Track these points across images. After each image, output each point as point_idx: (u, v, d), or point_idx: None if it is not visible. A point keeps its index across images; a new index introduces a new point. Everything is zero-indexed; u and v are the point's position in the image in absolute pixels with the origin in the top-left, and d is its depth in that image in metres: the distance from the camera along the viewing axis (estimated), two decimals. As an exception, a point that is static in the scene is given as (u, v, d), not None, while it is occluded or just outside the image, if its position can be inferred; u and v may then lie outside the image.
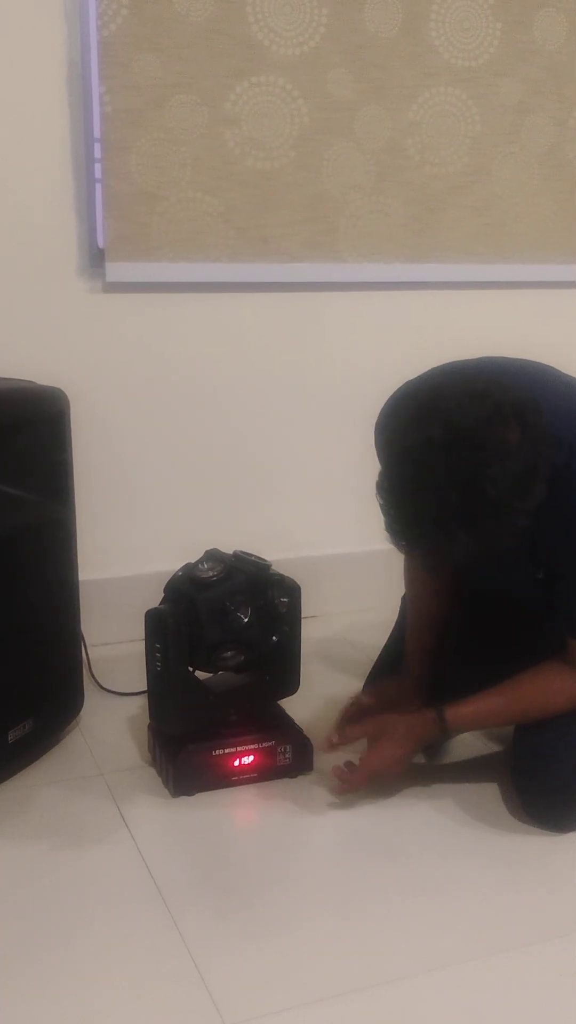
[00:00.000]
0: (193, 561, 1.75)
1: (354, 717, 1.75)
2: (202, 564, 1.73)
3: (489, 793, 1.74)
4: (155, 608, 1.70)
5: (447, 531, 1.34)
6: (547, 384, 1.54)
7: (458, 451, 1.32)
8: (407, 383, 1.58)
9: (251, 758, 1.74)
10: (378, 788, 1.69)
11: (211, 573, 1.71)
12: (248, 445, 2.37)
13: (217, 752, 1.72)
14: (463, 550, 1.36)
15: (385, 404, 1.60)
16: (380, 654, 1.93)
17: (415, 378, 1.58)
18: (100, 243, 2.13)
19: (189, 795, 1.72)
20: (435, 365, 1.58)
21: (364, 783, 1.66)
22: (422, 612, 1.83)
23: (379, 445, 1.53)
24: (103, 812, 1.68)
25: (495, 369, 1.55)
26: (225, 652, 1.71)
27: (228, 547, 1.80)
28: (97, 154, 2.08)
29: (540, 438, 1.37)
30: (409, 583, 1.84)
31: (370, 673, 1.92)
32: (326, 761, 1.77)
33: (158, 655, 1.68)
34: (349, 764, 1.67)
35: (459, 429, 1.33)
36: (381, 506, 1.40)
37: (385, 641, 1.96)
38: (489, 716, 1.68)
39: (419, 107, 2.26)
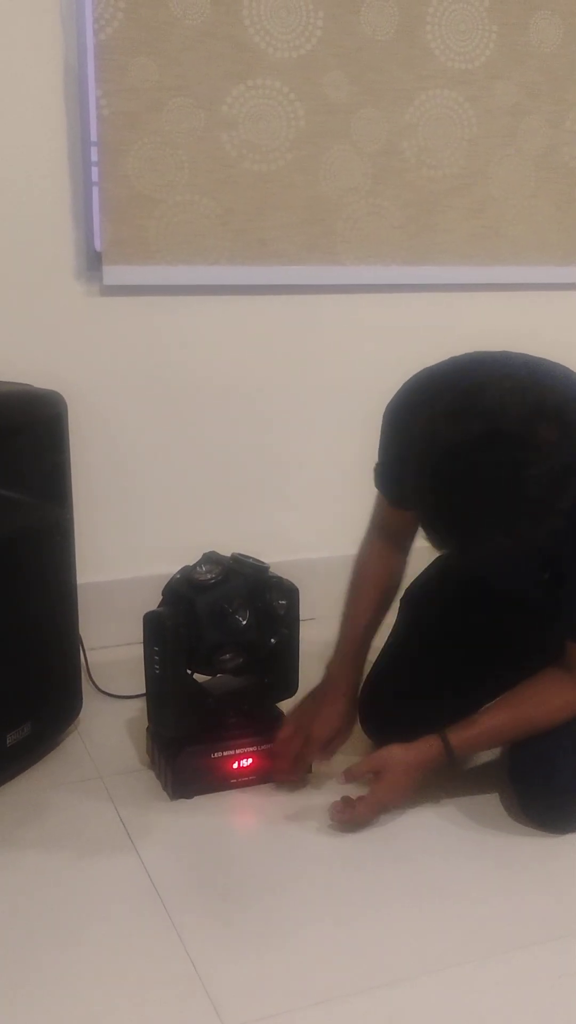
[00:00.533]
0: (191, 564, 1.75)
1: (292, 749, 1.72)
2: (200, 567, 1.73)
3: (488, 796, 1.74)
4: (153, 611, 1.70)
5: (485, 530, 1.31)
6: (571, 381, 1.53)
7: (500, 448, 1.27)
8: (428, 373, 1.55)
9: (250, 760, 1.74)
10: (384, 817, 1.67)
11: (209, 576, 1.71)
12: (246, 447, 2.37)
13: (216, 755, 1.72)
14: (499, 549, 1.34)
15: (407, 393, 1.56)
16: (377, 658, 1.92)
17: (435, 368, 1.54)
18: (97, 246, 2.13)
19: (188, 798, 1.72)
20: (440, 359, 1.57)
21: (369, 818, 1.64)
22: (372, 602, 1.80)
23: (406, 436, 1.46)
24: (102, 815, 1.68)
25: (528, 365, 1.52)
26: (223, 654, 1.71)
27: (226, 549, 1.80)
28: (94, 157, 2.08)
29: None
30: (370, 566, 1.81)
31: (367, 677, 1.91)
32: (325, 764, 1.77)
33: (156, 658, 1.68)
34: (347, 799, 1.65)
35: (501, 425, 1.28)
36: (419, 505, 1.35)
37: (384, 643, 1.95)
38: (493, 736, 1.66)
39: (415, 110, 2.27)
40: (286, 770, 1.74)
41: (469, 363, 1.54)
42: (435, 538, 1.39)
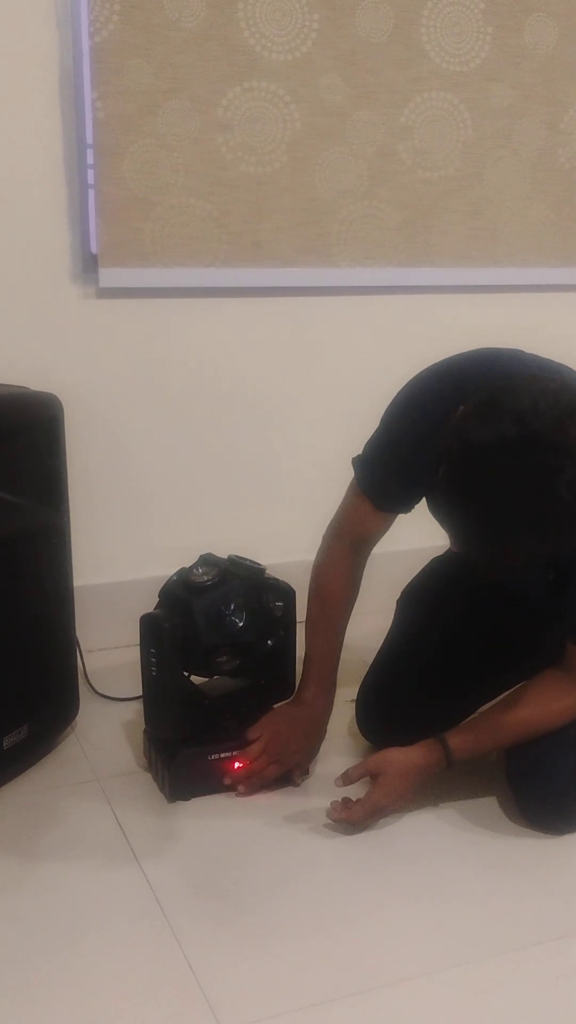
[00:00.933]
0: (188, 566, 1.75)
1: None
2: (197, 568, 1.73)
3: (486, 797, 1.73)
4: (150, 613, 1.70)
5: (515, 533, 1.29)
6: None
7: (535, 452, 1.25)
8: (445, 366, 1.54)
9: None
10: (382, 822, 1.65)
11: (206, 577, 1.71)
12: (242, 449, 2.37)
13: (213, 757, 1.72)
14: (527, 552, 1.32)
15: (425, 386, 1.55)
16: (375, 658, 1.92)
17: (451, 362, 1.53)
18: (93, 249, 2.13)
19: (185, 800, 1.71)
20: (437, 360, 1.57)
21: (365, 820, 1.62)
22: (340, 621, 1.79)
23: (427, 430, 1.43)
24: (99, 817, 1.67)
25: (543, 366, 1.51)
26: (220, 656, 1.71)
27: (223, 551, 1.80)
28: (90, 160, 2.08)
29: None
30: (336, 582, 1.78)
31: (365, 677, 1.91)
32: (322, 765, 1.77)
33: (153, 660, 1.68)
34: (346, 800, 1.64)
35: (536, 428, 1.25)
36: (444, 505, 1.33)
37: (381, 644, 1.95)
38: (494, 741, 1.65)
39: (411, 112, 2.27)
40: (245, 787, 1.72)
41: (487, 359, 1.52)
42: (458, 540, 1.37)
